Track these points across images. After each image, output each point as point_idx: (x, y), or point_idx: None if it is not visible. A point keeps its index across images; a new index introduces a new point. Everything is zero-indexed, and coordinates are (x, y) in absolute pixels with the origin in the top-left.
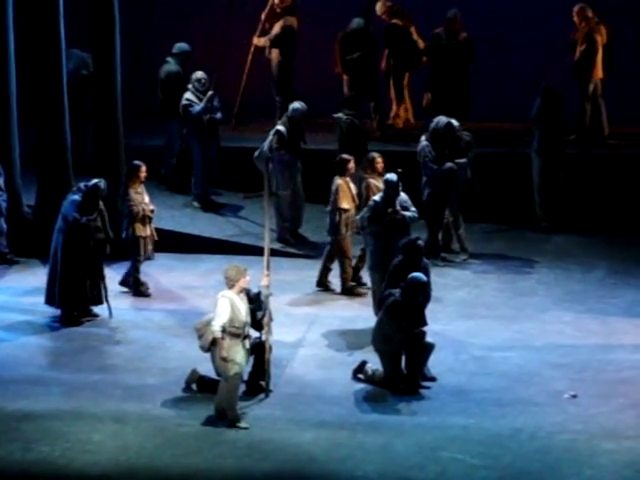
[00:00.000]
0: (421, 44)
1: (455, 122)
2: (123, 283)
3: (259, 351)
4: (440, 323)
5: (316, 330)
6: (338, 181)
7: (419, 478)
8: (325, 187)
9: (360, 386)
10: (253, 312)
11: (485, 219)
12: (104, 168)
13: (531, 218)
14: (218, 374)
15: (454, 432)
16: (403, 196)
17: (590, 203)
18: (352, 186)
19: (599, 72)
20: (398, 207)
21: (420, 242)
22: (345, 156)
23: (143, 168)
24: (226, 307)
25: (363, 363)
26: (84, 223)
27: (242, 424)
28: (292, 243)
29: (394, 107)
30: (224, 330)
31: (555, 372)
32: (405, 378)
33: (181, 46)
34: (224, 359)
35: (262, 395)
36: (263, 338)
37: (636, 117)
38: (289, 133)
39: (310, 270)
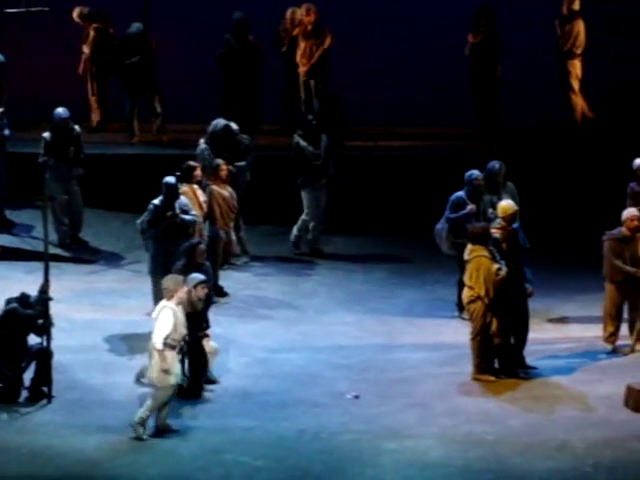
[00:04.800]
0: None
1: (234, 125)
2: None
3: (41, 357)
4: (222, 326)
5: (98, 335)
6: (184, 188)
7: None
8: (109, 192)
9: (143, 390)
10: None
11: (266, 221)
12: None
13: None
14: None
15: (237, 435)
16: (183, 199)
17: (369, 204)
18: (200, 193)
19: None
20: (178, 210)
21: (202, 245)
22: (192, 163)
23: None
24: (169, 319)
25: (145, 367)
26: None
27: (142, 434)
28: (72, 247)
29: (96, 112)
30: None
31: (337, 373)
32: (188, 381)
33: None
34: (166, 371)
35: (44, 401)
36: (45, 344)
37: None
38: (54, 139)
39: (91, 275)
